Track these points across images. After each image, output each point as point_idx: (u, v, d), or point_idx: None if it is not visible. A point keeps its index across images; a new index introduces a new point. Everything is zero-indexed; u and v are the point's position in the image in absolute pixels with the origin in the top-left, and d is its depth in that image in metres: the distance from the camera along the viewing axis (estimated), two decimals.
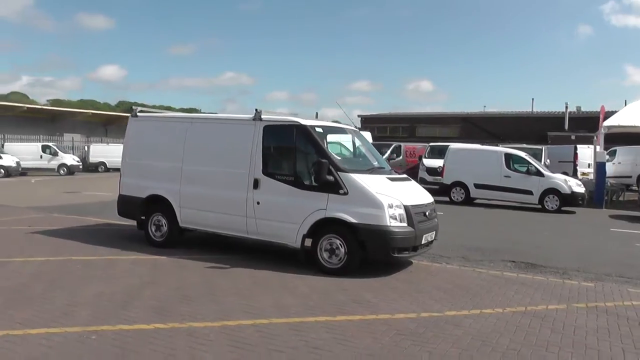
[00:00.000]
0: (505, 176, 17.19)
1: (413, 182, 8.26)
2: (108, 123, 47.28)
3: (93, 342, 4.46)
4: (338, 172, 7.17)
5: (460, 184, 18.03)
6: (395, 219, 7.00)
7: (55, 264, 7.32)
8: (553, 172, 17.41)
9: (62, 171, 30.77)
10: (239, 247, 8.85)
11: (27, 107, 40.35)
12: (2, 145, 31.37)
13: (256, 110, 7.96)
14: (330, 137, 8.14)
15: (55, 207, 13.76)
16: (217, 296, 5.97)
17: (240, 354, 4.29)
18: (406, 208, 7.11)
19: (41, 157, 30.55)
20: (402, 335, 4.82)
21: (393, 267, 7.58)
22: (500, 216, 15.50)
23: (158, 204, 8.73)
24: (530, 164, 17.14)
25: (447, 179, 18.35)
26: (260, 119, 7.85)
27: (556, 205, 16.46)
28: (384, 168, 8.29)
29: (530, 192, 16.76)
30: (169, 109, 78.40)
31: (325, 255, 7.20)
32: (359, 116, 55.82)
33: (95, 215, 12.25)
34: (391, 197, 7.09)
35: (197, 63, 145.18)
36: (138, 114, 9.33)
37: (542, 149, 22.39)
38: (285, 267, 7.39)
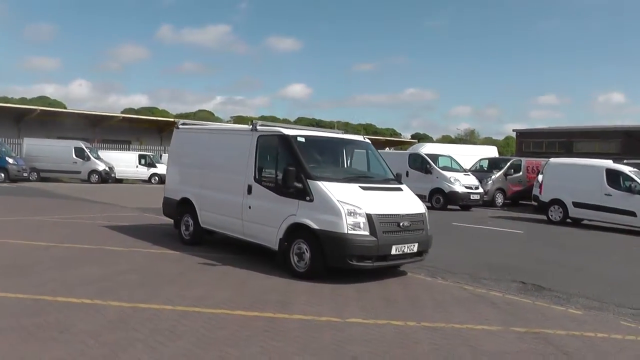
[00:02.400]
0: (606, 194, 15.30)
1: (402, 193, 8.09)
2: None
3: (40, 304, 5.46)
4: (307, 180, 7.43)
5: (558, 202, 16.49)
6: (355, 226, 7.04)
7: (80, 250, 8.71)
8: None
9: (153, 180, 32.24)
10: (251, 250, 9.46)
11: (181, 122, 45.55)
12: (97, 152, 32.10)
13: (252, 122, 8.57)
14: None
15: (148, 209, 15.78)
16: (167, 284, 6.67)
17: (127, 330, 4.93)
18: (369, 216, 7.10)
19: (137, 166, 32.40)
20: (268, 332, 5.01)
21: (377, 276, 7.56)
22: (585, 238, 13.96)
23: (187, 206, 9.76)
24: (635, 180, 15.02)
25: (544, 197, 16.89)
26: (256, 130, 8.43)
27: None
28: (371, 178, 8.30)
29: (633, 214, 14.70)
30: (347, 125, 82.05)
31: (295, 259, 7.47)
32: (514, 130, 53.18)
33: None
34: (353, 205, 7.12)
35: (381, 80, 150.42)
36: (180, 126, 10.54)
37: None
38: (270, 269, 7.71)
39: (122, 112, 63.47)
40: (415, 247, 7.59)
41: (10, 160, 26.42)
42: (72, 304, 5.63)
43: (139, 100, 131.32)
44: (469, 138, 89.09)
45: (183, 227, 9.88)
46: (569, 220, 16.46)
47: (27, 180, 27.22)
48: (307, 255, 7.30)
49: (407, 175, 20.05)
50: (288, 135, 7.97)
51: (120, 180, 31.02)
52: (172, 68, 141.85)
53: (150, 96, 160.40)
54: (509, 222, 16.54)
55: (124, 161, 32.27)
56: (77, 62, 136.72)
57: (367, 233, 7.07)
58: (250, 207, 8.27)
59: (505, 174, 22.55)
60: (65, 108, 59.35)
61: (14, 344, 4.45)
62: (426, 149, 26.22)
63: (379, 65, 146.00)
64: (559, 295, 7.30)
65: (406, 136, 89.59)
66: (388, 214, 7.33)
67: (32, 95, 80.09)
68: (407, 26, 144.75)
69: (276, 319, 5.47)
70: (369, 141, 9.21)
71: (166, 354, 4.37)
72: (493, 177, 21.98)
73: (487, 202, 21.04)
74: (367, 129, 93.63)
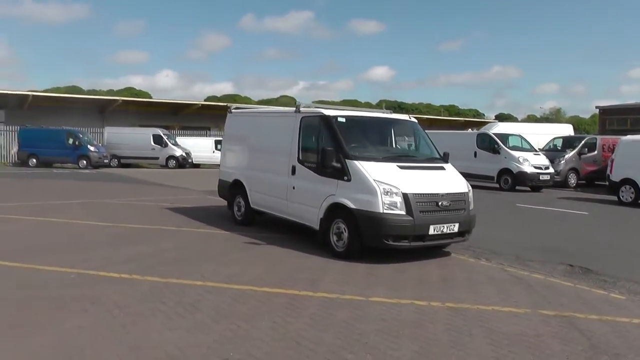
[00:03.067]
0: None
1: (444, 172, 7.90)
2: None
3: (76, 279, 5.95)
4: (345, 160, 7.44)
5: (630, 182, 15.32)
6: (391, 206, 6.98)
7: (134, 230, 9.30)
8: None
9: None
10: (297, 230, 9.58)
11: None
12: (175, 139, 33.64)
13: (298, 103, 8.66)
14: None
15: (213, 191, 16.34)
16: (205, 262, 6.97)
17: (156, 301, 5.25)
18: (405, 196, 7.01)
19: (213, 151, 32.78)
20: (287, 309, 5.12)
21: (418, 257, 7.50)
22: None
23: (239, 187, 10.09)
24: None
25: (615, 176, 15.75)
26: (299, 112, 8.52)
27: None
28: (413, 157, 8.17)
29: None
30: (428, 107, 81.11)
31: (335, 238, 7.54)
32: (596, 107, 49.95)
33: None
34: (389, 184, 7.06)
35: (464, 58, 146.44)
36: (232, 111, 10.85)
37: None
38: (311, 249, 7.85)
39: (205, 100, 65.98)
40: (455, 227, 7.42)
41: (92, 148, 28.38)
42: (112, 279, 6.05)
43: (224, 88, 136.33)
44: (554, 117, 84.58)
45: (235, 208, 10.22)
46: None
47: (108, 166, 29.15)
48: (345, 234, 7.35)
49: (475, 155, 19.54)
50: (328, 116, 8.00)
51: (197, 165, 32.29)
52: (256, 55, 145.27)
53: (235, 83, 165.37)
54: (577, 204, 15.60)
55: (201, 147, 33.52)
56: (164, 53, 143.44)
57: (403, 212, 7.00)
58: (294, 188, 8.42)
59: (579, 153, 21.26)
60: (150, 97, 62.54)
61: (46, 312, 4.89)
62: (498, 128, 25.22)
63: (464, 43, 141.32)
64: (606, 279, 6.86)
65: (490, 116, 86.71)
66: (425, 193, 7.21)
67: (120, 87, 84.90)
68: (492, 2, 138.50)
69: (299, 296, 5.58)
70: (414, 120, 9.04)
71: (181, 324, 4.62)
72: (566, 156, 20.78)
73: (559, 183, 19.96)
74: (449, 110, 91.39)
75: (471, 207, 7.80)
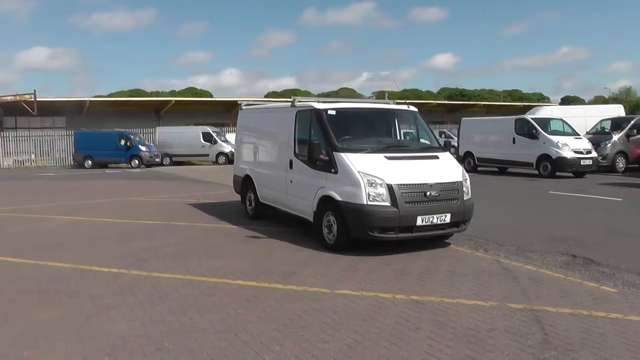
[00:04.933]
0: None
1: (436, 161, 7.69)
2: None
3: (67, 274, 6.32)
4: (333, 152, 7.44)
5: None
6: (375, 197, 6.92)
7: (146, 226, 9.70)
8: None
9: None
10: (304, 223, 9.63)
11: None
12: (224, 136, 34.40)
13: (292, 98, 8.72)
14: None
15: None
16: (197, 256, 7.20)
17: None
18: (389, 187, 6.92)
19: None
20: (247, 302, 5.22)
21: (415, 248, 7.43)
22: None
23: (250, 182, 10.30)
24: None
25: None
26: (295, 106, 8.58)
27: None
28: (405, 147, 8.03)
29: None
30: (491, 92, 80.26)
31: (326, 231, 7.57)
32: None
33: None
34: (373, 175, 6.99)
35: (531, 41, 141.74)
36: (243, 107, 11.04)
37: None
38: (308, 242, 7.92)
39: (265, 96, 66.91)
40: (447, 218, 7.25)
41: (143, 148, 29.62)
42: (100, 273, 6.40)
43: (287, 83, 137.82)
44: (624, 97, 79.86)
45: (247, 203, 10.45)
46: None
47: (160, 164, 30.29)
48: (335, 227, 7.36)
49: (513, 142, 18.86)
50: (319, 109, 8.01)
51: None
52: (318, 49, 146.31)
53: (298, 78, 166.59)
54: (616, 190, 14.67)
55: None
56: (227, 52, 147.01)
57: (387, 204, 6.92)
58: (291, 181, 8.52)
59: (627, 135, 19.87)
60: (211, 97, 64.29)
61: (26, 304, 5.25)
62: (541, 112, 24.11)
63: (529, 25, 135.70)
64: (605, 271, 6.47)
65: (555, 100, 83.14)
66: (411, 184, 7.08)
67: (185, 87, 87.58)
68: None
69: (267, 289, 5.67)
70: (414, 109, 8.84)
71: (139, 315, 4.84)
72: (613, 139, 19.56)
73: (606, 168, 18.87)
74: (512, 95, 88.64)
75: (467, 196, 7.59)
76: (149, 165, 29.34)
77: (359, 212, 6.96)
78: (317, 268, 6.55)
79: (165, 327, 4.55)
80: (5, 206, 12.78)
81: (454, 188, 7.41)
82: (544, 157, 17.87)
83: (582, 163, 17.43)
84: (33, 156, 32.43)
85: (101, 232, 9.18)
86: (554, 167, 17.64)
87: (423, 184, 7.14)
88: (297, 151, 8.40)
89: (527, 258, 7.13)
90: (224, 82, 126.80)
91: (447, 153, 8.10)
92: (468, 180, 7.79)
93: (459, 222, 7.48)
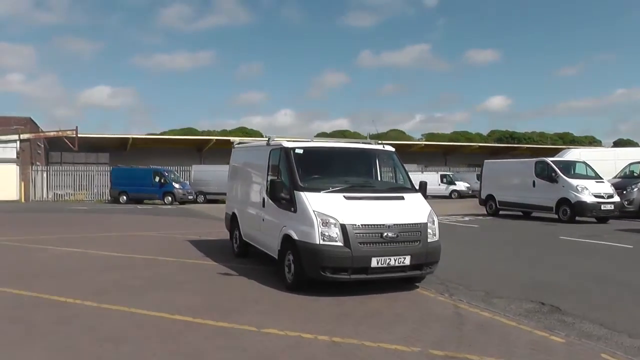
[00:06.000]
0: None
1: (401, 202, 7.54)
2: (447, 153, 51.88)
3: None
4: (294, 191, 7.48)
5: None
6: (328, 237, 6.87)
7: (131, 260, 9.96)
8: None
9: (453, 195, 37.52)
10: None
11: None
12: None
13: (268, 137, 8.87)
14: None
15: None
16: (158, 290, 7.32)
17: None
18: (343, 227, 6.86)
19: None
20: (166, 337, 5.26)
21: (378, 290, 7.29)
22: None
23: (235, 220, 10.44)
24: None
25: None
26: (269, 144, 8.72)
27: None
28: (369, 187, 7.98)
29: None
30: (541, 135, 79.66)
31: (286, 270, 7.54)
32: None
33: None
34: (328, 215, 6.95)
35: (585, 83, 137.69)
36: (235, 146, 11.30)
37: None
38: (275, 282, 7.83)
39: (315, 136, 68.34)
40: (407, 260, 7.07)
41: (177, 186, 30.52)
42: (54, 302, 6.63)
43: (340, 124, 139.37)
44: None
45: (234, 241, 10.55)
46: None
47: (194, 202, 31.02)
48: (293, 267, 7.32)
49: (533, 185, 18.29)
50: (287, 148, 8.11)
51: None
52: (372, 91, 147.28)
53: (351, 119, 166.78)
54: (633, 236, 13.85)
55: None
56: (283, 93, 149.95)
57: (340, 244, 6.85)
58: (263, 220, 8.59)
59: None
60: (261, 136, 66.20)
61: None
62: (569, 154, 23.33)
63: (584, 67, 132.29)
64: (565, 320, 6.12)
65: (608, 143, 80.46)
66: (367, 224, 6.98)
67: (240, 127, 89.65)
68: (614, 19, 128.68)
69: (199, 324, 5.68)
70: (390, 149, 8.78)
71: (60, 345, 4.99)
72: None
73: (633, 213, 17.90)
74: (563, 138, 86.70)
75: (431, 238, 7.40)
76: (182, 202, 30.15)
77: (312, 252, 6.91)
78: (264, 306, 6.51)
79: (74, 356, 4.65)
80: (17, 236, 13.46)
81: (415, 230, 7.25)
82: (563, 201, 17.25)
83: (602, 208, 16.66)
84: (71, 190, 34.04)
85: (85, 263, 9.50)
86: (573, 211, 16.96)
87: (379, 225, 7.03)
88: (268, 189, 8.49)
89: (489, 304, 6.84)
90: (278, 123, 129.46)
91: (417, 194, 7.96)
92: (436, 222, 7.62)
93: (421, 264, 7.28)
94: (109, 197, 32.51)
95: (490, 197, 20.73)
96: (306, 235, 7.03)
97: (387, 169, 8.96)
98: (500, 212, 20.57)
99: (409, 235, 7.17)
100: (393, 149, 8.86)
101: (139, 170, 31.51)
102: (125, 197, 30.63)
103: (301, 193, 7.38)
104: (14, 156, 31.99)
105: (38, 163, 34.41)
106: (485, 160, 21.83)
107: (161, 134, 76.98)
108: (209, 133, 76.61)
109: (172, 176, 31.64)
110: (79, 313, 6.10)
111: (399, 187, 8.18)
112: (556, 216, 17.78)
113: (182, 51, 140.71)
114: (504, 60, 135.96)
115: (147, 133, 60.65)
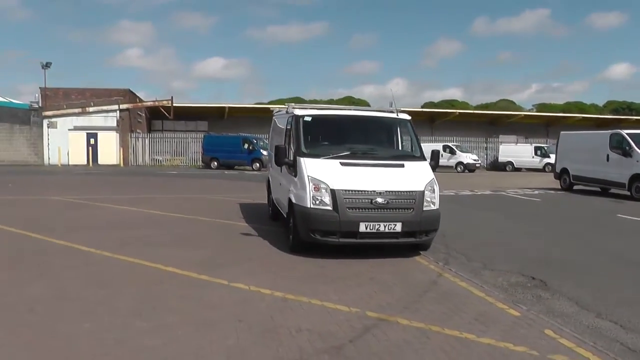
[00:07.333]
0: None
1: (398, 170, 7.60)
2: (550, 124, 49.21)
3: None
4: (297, 157, 7.82)
5: None
6: (319, 201, 7.16)
7: (172, 218, 10.97)
8: None
9: (459, 168, 34.54)
10: None
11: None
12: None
13: (287, 105, 9.20)
14: None
15: None
16: (176, 246, 8.12)
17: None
18: (333, 192, 7.11)
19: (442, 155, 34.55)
20: (152, 283, 5.95)
21: (378, 255, 7.57)
22: None
23: (269, 185, 11.04)
24: None
25: None
26: (287, 112, 9.07)
27: None
28: (372, 154, 8.02)
29: None
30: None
31: (290, 232, 7.96)
32: None
33: None
34: (320, 180, 7.22)
35: None
36: (275, 114, 11.75)
37: None
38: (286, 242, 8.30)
39: (421, 106, 67.15)
40: (398, 227, 7.18)
41: (264, 152, 31.75)
42: (78, 251, 7.65)
43: (453, 94, 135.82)
44: None
45: (269, 204, 11.16)
46: None
47: None
48: (292, 229, 7.73)
49: (607, 159, 16.88)
50: (297, 115, 8.42)
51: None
52: (487, 59, 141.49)
53: (464, 89, 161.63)
54: None
55: None
56: (396, 63, 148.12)
57: (329, 208, 7.12)
58: (280, 184, 9.07)
59: None
60: (368, 105, 66.40)
61: None
62: None
63: None
64: (542, 295, 5.98)
65: None
66: (356, 190, 7.16)
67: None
68: None
69: (185, 276, 6.30)
70: (405, 117, 8.73)
71: (60, 284, 5.86)
72: None
73: None
74: None
75: (431, 207, 7.41)
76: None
77: (304, 215, 7.26)
78: (252, 264, 7.00)
79: (61, 294, 5.50)
80: (90, 194, 15.28)
81: (409, 197, 7.29)
82: (636, 178, 15.78)
83: None
84: (169, 156, 36.79)
85: (133, 221, 10.62)
86: None
87: (370, 191, 7.17)
88: (274, 155, 8.91)
89: (474, 275, 6.80)
90: (389, 92, 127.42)
91: (422, 163, 7.94)
92: (436, 191, 7.59)
93: (414, 232, 7.33)
94: (201, 163, 34.74)
95: (565, 171, 19.45)
96: (300, 199, 7.39)
97: (406, 138, 8.94)
98: (575, 187, 19.26)
99: (401, 203, 7.25)
100: (408, 117, 8.82)
101: (229, 137, 33.24)
102: (215, 163, 32.57)
103: (301, 159, 7.70)
104: (115, 124, 35.20)
105: (139, 131, 37.55)
106: (562, 132, 20.27)
107: (268, 103, 79.37)
108: (314, 102, 77.41)
109: (261, 143, 33.02)
110: (93, 261, 7.01)
111: (403, 155, 8.21)
112: (628, 193, 16.36)
113: (296, 22, 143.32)
114: (630, 24, 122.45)
115: (256, 102, 62.93)
